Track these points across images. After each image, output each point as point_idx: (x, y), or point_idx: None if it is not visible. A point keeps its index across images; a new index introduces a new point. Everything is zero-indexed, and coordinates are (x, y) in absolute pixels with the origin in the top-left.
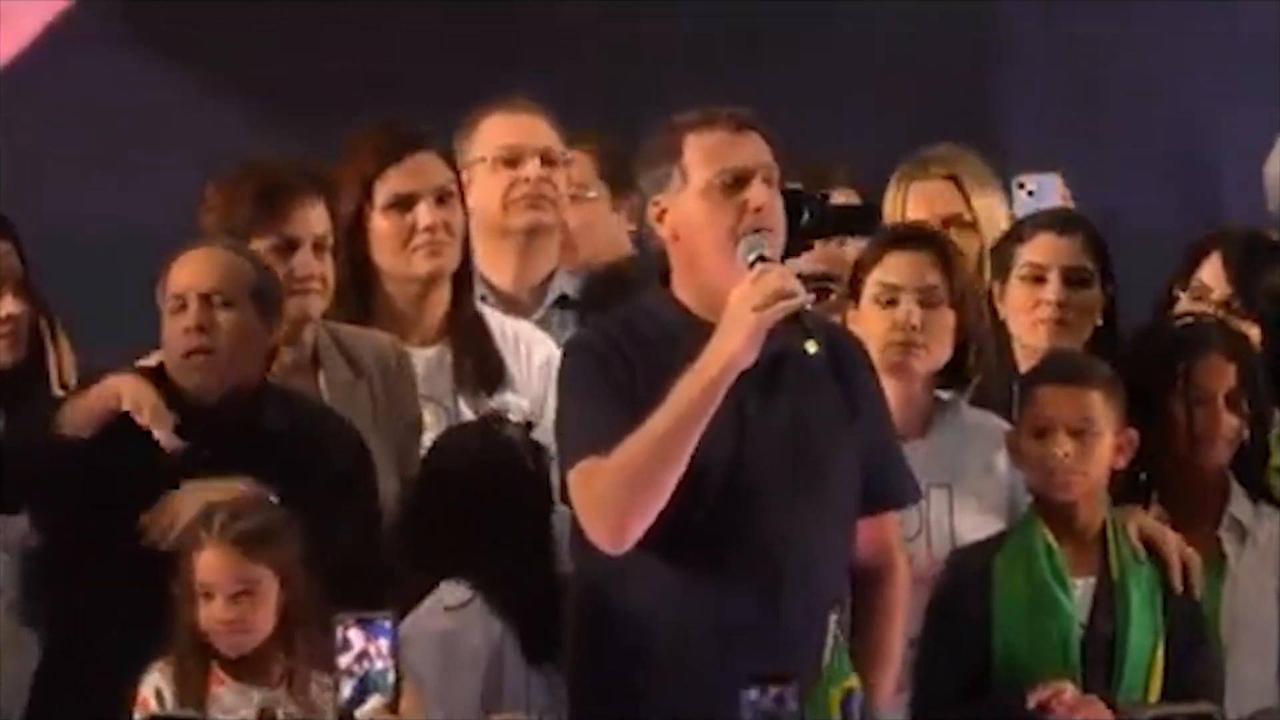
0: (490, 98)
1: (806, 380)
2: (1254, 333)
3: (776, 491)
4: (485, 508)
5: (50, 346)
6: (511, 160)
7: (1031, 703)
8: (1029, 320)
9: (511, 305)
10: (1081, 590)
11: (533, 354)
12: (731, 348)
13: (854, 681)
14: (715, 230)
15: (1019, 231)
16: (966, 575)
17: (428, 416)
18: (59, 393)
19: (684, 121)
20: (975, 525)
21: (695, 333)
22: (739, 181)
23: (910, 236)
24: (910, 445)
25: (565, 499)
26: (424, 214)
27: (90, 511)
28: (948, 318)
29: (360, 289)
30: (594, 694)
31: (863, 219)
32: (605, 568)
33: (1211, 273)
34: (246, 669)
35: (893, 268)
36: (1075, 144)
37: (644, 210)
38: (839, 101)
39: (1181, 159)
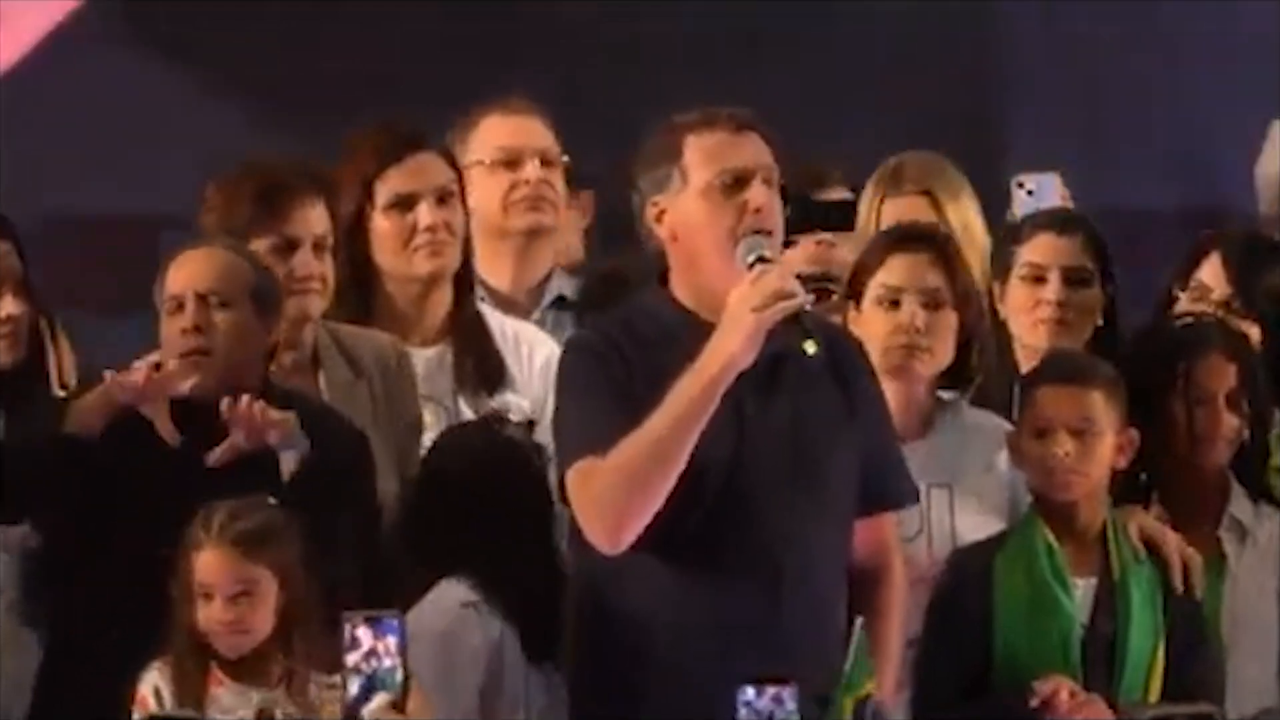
0: (490, 98)
1: (805, 381)
2: (1254, 333)
3: (775, 491)
4: (486, 508)
5: (50, 346)
6: (510, 162)
7: (1034, 701)
8: (1029, 320)
9: (508, 306)
10: (1082, 590)
11: (534, 354)
12: (730, 348)
13: (871, 688)
14: (715, 231)
15: (1019, 231)
16: (967, 575)
17: (428, 416)
18: (59, 393)
19: (684, 122)
20: (976, 525)
21: (694, 333)
22: (739, 182)
23: (912, 238)
24: (911, 445)
25: (564, 499)
26: (425, 214)
27: (91, 511)
28: (950, 319)
29: (360, 289)
30: (594, 694)
31: (841, 214)
32: (605, 568)
33: (1211, 273)
34: (245, 669)
35: (895, 269)
36: (1075, 144)
37: (643, 210)
38: (839, 101)
39: (1181, 159)
